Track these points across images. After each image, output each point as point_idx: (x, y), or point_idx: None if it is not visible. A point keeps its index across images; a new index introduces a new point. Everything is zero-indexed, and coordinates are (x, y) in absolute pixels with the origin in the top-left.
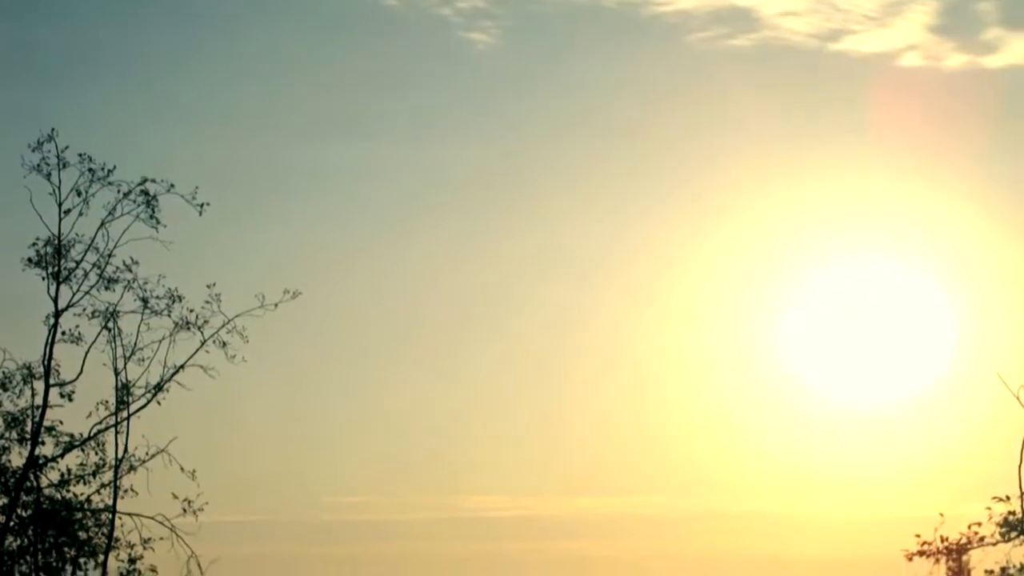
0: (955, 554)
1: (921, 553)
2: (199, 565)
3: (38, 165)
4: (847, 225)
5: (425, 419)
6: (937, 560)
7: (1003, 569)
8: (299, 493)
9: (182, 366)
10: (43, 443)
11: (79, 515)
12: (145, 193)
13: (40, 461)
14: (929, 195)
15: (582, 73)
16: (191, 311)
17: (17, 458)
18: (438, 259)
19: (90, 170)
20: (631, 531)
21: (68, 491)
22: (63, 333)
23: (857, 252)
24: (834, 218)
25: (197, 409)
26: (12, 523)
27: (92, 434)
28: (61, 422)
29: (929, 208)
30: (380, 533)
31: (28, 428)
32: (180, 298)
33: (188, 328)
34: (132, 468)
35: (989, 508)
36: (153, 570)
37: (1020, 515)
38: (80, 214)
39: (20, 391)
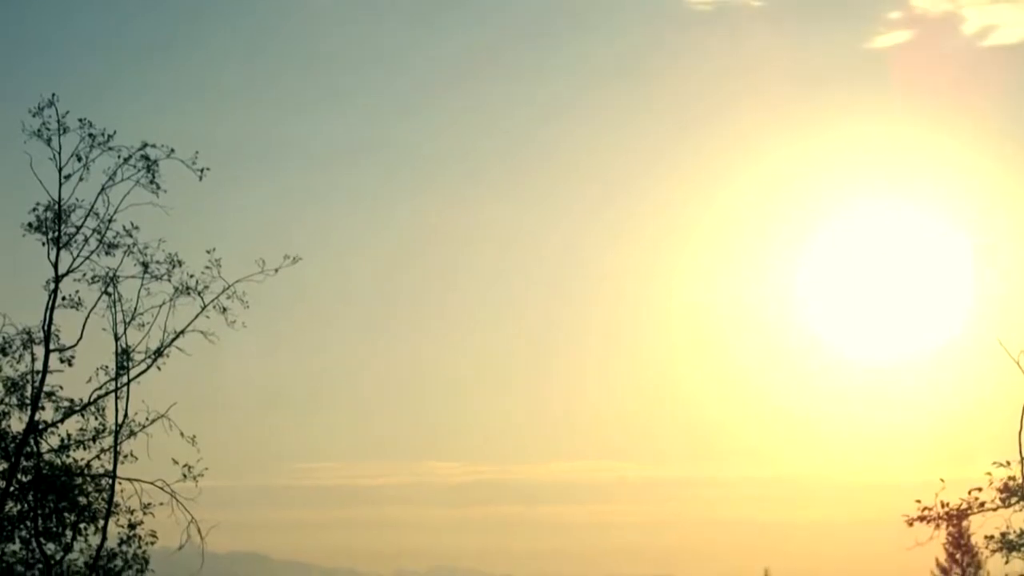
0: (955, 520)
1: (922, 519)
2: (199, 530)
3: (38, 130)
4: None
5: (409, 385)
6: (938, 526)
7: (1003, 535)
8: (283, 459)
9: (182, 331)
10: (43, 408)
11: (79, 480)
12: (145, 158)
13: (40, 426)
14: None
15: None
16: (191, 276)
17: (17, 423)
18: (425, 231)
19: (90, 135)
20: (626, 496)
21: (68, 456)
22: (63, 298)
23: (870, 205)
24: (843, 168)
25: (187, 376)
26: (12, 488)
27: (92, 399)
28: (61, 387)
29: (949, 159)
30: (357, 498)
31: (28, 393)
32: (180, 263)
33: (188, 293)
34: (132, 433)
35: (989, 473)
36: (153, 535)
37: (1020, 480)
38: (80, 179)
39: (20, 356)
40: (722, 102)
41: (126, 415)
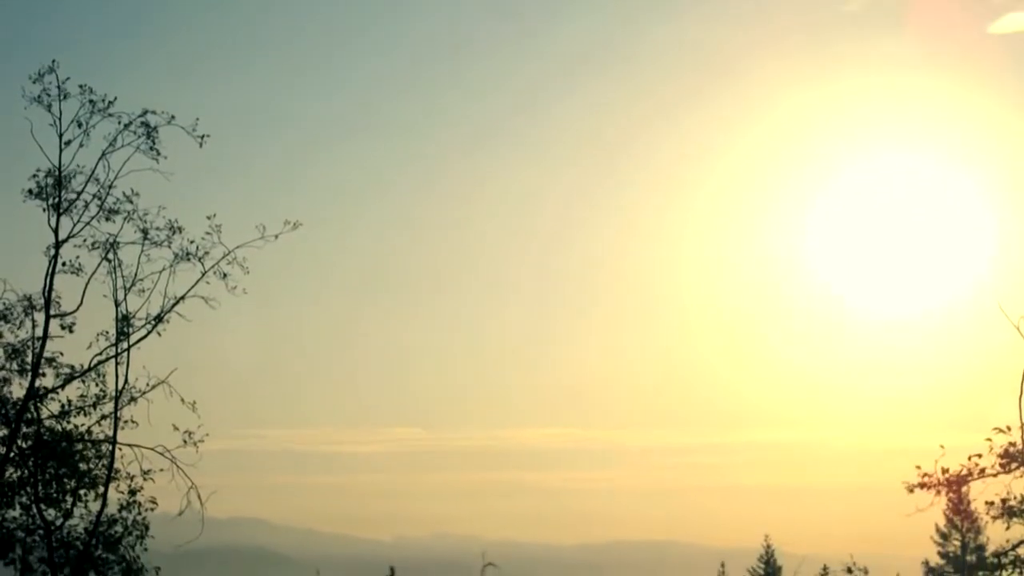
0: (956, 486)
1: (922, 485)
2: (199, 496)
3: (39, 96)
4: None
5: (402, 353)
6: (938, 492)
7: (1004, 501)
8: (280, 426)
9: (182, 297)
10: (43, 374)
11: (79, 446)
12: (146, 124)
13: (40, 392)
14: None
15: None
16: (191, 242)
17: (18, 389)
18: (418, 201)
19: (91, 101)
20: (627, 463)
21: (68, 422)
22: (63, 264)
23: (887, 152)
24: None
25: (188, 342)
26: (12, 454)
27: (92, 365)
28: (61, 353)
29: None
30: (354, 465)
31: (28, 359)
32: (180, 229)
33: (188, 259)
34: (132, 399)
35: (990, 439)
36: (153, 501)
37: (1021, 446)
38: (81, 145)
39: (21, 322)
40: (735, 54)
41: (126, 381)
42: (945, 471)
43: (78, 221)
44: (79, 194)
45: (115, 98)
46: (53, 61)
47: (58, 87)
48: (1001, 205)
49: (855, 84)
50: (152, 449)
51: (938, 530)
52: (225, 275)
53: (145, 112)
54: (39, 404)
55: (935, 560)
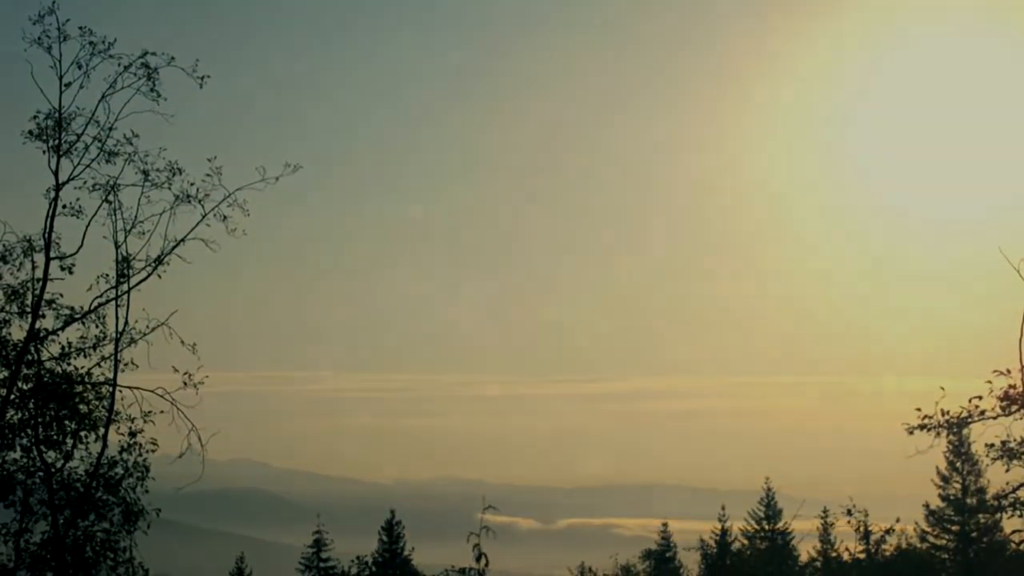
0: (956, 428)
1: (922, 427)
2: (200, 438)
3: (39, 38)
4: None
5: (413, 300)
6: (938, 434)
7: (1004, 443)
8: (277, 368)
9: (183, 239)
10: (44, 316)
11: (80, 388)
12: (146, 66)
13: (41, 334)
14: None
15: None
16: (192, 184)
17: (18, 331)
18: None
19: (91, 43)
20: (626, 407)
21: (69, 364)
22: (64, 206)
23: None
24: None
25: (188, 284)
26: (13, 396)
27: (92, 307)
28: (62, 295)
29: None
30: (352, 408)
31: (29, 301)
32: (181, 171)
33: (189, 201)
34: (132, 341)
35: (990, 382)
36: (154, 443)
37: (1021, 388)
38: (81, 87)
39: (21, 264)
40: None
41: (126, 323)
42: (945, 413)
43: (78, 163)
44: (79, 136)
45: (115, 39)
46: (53, 2)
47: (58, 29)
48: None
49: None
50: (152, 391)
51: (939, 472)
52: (225, 217)
53: (145, 53)
54: (39, 346)
55: (936, 503)
